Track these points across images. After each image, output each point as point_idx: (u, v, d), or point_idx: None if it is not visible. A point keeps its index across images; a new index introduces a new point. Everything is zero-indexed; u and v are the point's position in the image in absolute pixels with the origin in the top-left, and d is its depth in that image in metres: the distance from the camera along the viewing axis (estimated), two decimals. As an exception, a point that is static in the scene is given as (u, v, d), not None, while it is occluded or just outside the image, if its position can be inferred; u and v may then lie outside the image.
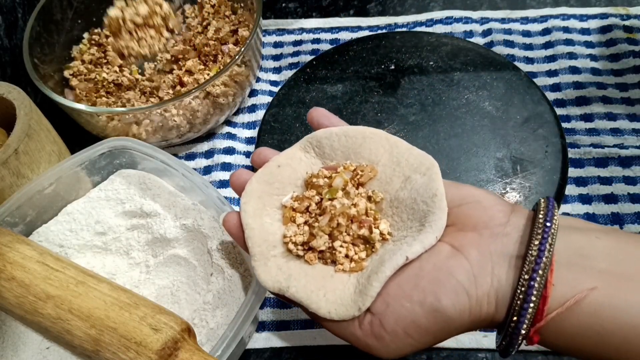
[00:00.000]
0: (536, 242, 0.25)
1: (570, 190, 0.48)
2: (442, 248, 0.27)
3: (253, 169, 0.36)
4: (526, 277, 0.24)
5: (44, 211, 0.43)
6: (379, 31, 0.62)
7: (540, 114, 0.49)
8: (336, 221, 0.29)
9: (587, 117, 0.52)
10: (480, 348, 0.40)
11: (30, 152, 0.42)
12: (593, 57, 0.56)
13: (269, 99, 0.57)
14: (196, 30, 0.59)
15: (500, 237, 0.26)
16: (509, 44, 0.58)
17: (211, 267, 0.40)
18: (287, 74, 0.60)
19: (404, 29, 0.62)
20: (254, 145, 0.54)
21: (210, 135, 0.55)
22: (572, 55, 0.56)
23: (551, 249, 0.25)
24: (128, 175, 0.45)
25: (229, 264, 0.39)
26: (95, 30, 0.58)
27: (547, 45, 0.58)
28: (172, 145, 0.54)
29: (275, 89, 0.58)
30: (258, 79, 0.59)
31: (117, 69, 0.57)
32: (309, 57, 0.59)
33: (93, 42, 0.58)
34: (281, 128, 0.53)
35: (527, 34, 0.59)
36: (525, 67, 0.56)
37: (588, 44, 0.57)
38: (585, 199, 0.47)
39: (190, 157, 0.54)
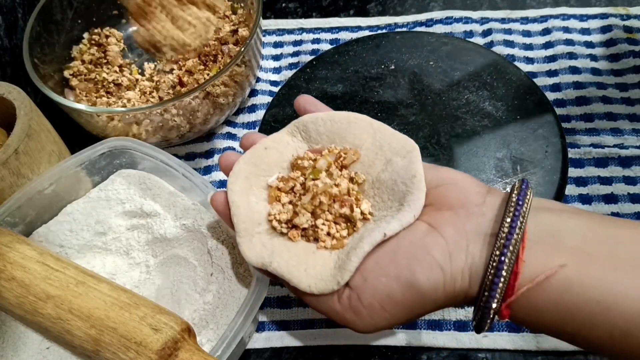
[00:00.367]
0: (508, 220, 0.26)
1: (570, 190, 0.48)
2: (419, 226, 0.28)
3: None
4: (497, 253, 0.25)
5: (44, 211, 0.43)
6: (379, 31, 0.62)
7: (540, 114, 0.49)
8: (318, 199, 0.30)
9: (587, 117, 0.52)
10: (481, 348, 0.40)
11: (30, 152, 0.42)
12: (593, 57, 0.56)
13: (269, 99, 0.57)
14: (196, 30, 0.59)
15: (476, 216, 0.27)
16: (509, 44, 0.58)
17: (211, 267, 0.40)
18: (287, 74, 0.59)
19: (404, 29, 0.62)
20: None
21: (210, 135, 0.55)
22: (572, 55, 0.56)
23: (522, 227, 0.25)
24: (128, 175, 0.45)
25: (229, 264, 0.39)
26: (95, 30, 0.58)
27: (547, 45, 0.58)
28: (172, 145, 0.54)
29: (275, 89, 0.58)
30: (258, 79, 0.59)
31: (117, 69, 0.57)
32: (309, 57, 0.59)
33: (93, 42, 0.58)
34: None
35: (527, 34, 0.59)
36: (525, 67, 0.56)
37: (588, 44, 0.57)
38: (585, 199, 0.47)
39: (190, 157, 0.54)
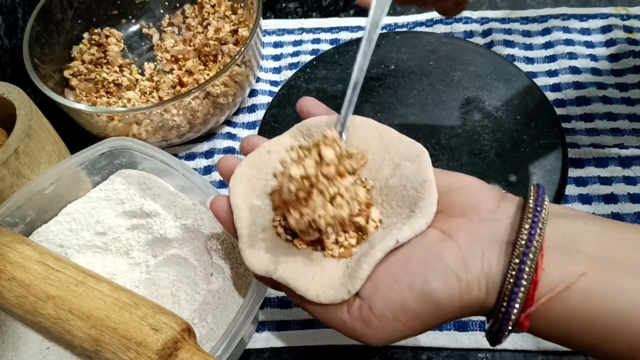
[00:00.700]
0: (527, 227, 0.25)
1: (570, 190, 0.48)
2: (431, 233, 0.27)
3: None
4: (517, 261, 0.24)
5: (44, 211, 0.43)
6: (379, 31, 0.62)
7: (540, 114, 0.49)
8: None
9: (587, 117, 0.52)
10: (481, 348, 0.40)
11: (30, 152, 0.42)
12: (593, 57, 0.56)
13: (269, 99, 0.57)
14: (196, 30, 0.59)
15: (490, 222, 0.26)
16: (509, 44, 0.58)
17: (211, 267, 0.40)
18: (287, 74, 0.59)
19: (404, 29, 0.62)
20: (254, 145, 0.54)
21: (210, 135, 0.55)
22: (572, 55, 0.56)
23: (542, 233, 0.25)
24: (128, 175, 0.45)
25: (229, 264, 0.39)
26: (95, 30, 0.58)
27: (547, 45, 0.58)
28: (172, 145, 0.54)
29: (275, 89, 0.58)
30: (258, 79, 0.59)
31: (117, 69, 0.58)
32: (309, 57, 0.59)
33: (93, 42, 0.58)
34: (281, 128, 0.52)
35: (527, 34, 0.59)
36: (525, 67, 0.56)
37: (588, 44, 0.57)
38: (585, 199, 0.47)
39: (190, 157, 0.54)
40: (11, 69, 0.55)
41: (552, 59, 0.57)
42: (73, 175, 0.44)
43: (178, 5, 0.62)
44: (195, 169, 0.44)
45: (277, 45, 0.63)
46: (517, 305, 0.24)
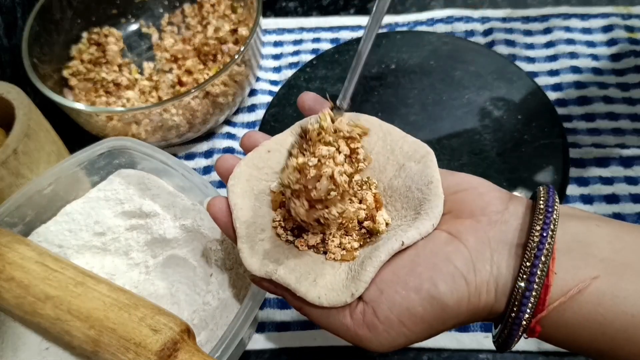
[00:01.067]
0: (537, 229, 0.24)
1: (572, 190, 0.47)
2: (439, 235, 0.26)
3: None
4: (528, 264, 0.23)
5: (43, 211, 0.43)
6: (380, 30, 0.61)
7: (541, 114, 0.49)
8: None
9: (589, 117, 0.51)
10: (481, 349, 0.40)
11: (29, 152, 0.42)
12: (594, 57, 0.56)
13: (269, 98, 0.57)
14: (196, 30, 0.59)
15: (499, 224, 0.26)
16: (510, 43, 0.58)
17: (211, 268, 0.40)
18: (287, 73, 0.59)
19: (405, 29, 0.62)
20: (253, 145, 0.54)
21: (209, 135, 0.55)
22: (573, 55, 0.56)
23: (553, 236, 0.24)
24: (127, 175, 0.45)
25: (228, 265, 0.39)
26: (95, 30, 0.58)
27: (549, 44, 0.58)
28: (171, 145, 0.54)
29: (275, 89, 0.58)
30: (258, 79, 0.59)
31: (117, 69, 0.57)
32: (309, 57, 0.59)
33: (92, 41, 0.58)
34: (281, 128, 0.52)
35: (528, 33, 0.59)
36: (526, 67, 0.56)
37: (589, 44, 0.57)
38: (586, 199, 0.47)
39: (190, 157, 0.54)
40: (10, 68, 0.55)
41: (553, 58, 0.56)
42: (72, 175, 0.44)
43: (177, 4, 0.62)
44: (194, 169, 0.44)
45: (277, 44, 0.63)
46: (528, 310, 0.23)
